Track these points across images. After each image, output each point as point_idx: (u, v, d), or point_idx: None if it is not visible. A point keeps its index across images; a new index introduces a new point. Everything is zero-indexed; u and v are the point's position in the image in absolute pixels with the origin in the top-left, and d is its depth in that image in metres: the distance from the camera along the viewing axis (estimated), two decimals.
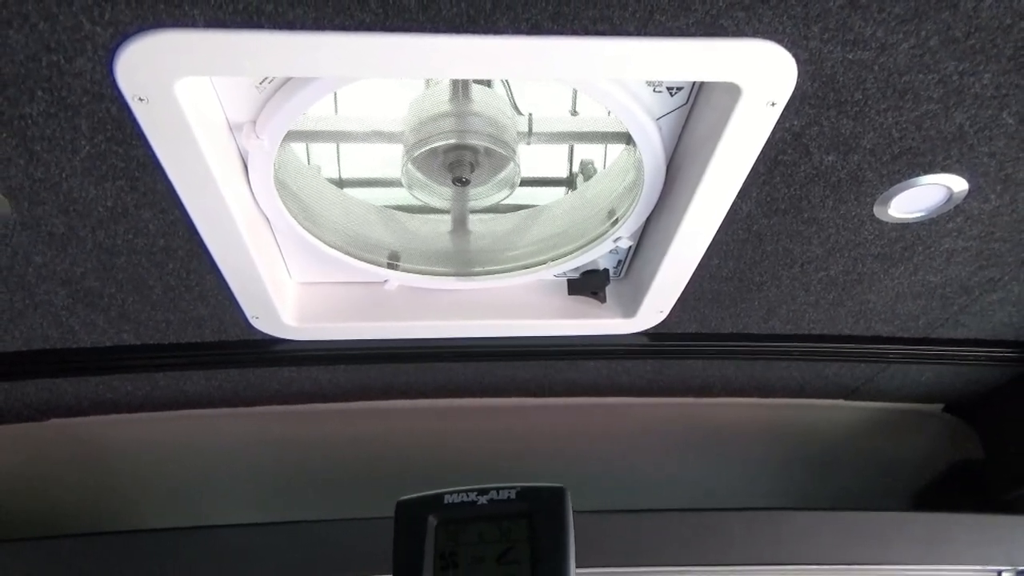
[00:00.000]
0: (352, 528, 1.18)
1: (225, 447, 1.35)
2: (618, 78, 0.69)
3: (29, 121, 0.65)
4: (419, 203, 0.99)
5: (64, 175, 0.71)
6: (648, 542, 1.15)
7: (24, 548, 1.13)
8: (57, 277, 0.87)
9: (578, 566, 1.12)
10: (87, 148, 0.68)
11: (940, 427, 1.46)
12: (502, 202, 1.00)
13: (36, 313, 0.94)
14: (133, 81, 0.61)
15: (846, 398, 1.38)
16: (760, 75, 0.64)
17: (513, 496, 0.45)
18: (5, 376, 1.06)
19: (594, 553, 1.14)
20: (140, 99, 0.62)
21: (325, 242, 0.94)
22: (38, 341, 1.00)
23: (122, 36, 0.57)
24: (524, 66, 0.62)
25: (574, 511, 1.16)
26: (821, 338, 1.13)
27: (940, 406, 1.43)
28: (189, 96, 0.65)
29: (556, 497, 0.47)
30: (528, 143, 0.91)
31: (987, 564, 1.23)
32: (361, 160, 1.06)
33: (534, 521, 0.45)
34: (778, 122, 0.70)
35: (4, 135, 0.66)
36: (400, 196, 1.06)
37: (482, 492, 0.46)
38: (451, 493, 0.47)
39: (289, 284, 1.02)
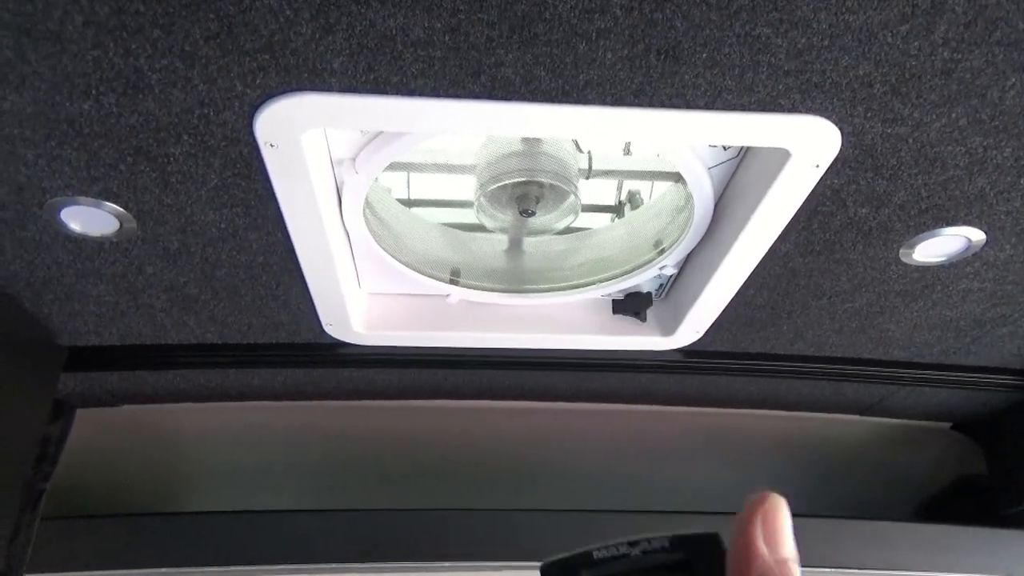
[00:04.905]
0: (397, 518, 1.28)
1: (281, 436, 1.46)
2: (685, 143, 0.78)
3: (171, 159, 0.75)
4: (479, 223, 1.09)
5: (190, 202, 0.82)
6: None
7: (89, 526, 1.24)
8: (162, 284, 0.97)
9: None
10: (215, 181, 0.78)
11: (948, 443, 1.55)
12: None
13: (136, 314, 1.04)
14: (268, 131, 0.71)
15: (861, 414, 1.47)
16: (809, 143, 0.73)
17: (667, 545, 0.41)
18: (96, 367, 1.16)
19: None
20: (271, 145, 0.72)
21: (397, 259, 1.04)
22: (132, 337, 1.11)
23: (266, 96, 0.67)
24: (606, 131, 0.71)
25: (604, 510, 1.25)
26: (842, 360, 1.22)
27: (948, 424, 1.52)
28: (310, 142, 0.75)
29: (713, 544, 0.41)
30: (587, 178, 1.01)
31: (986, 574, 1.33)
32: (425, 181, 1.15)
33: (694, 572, 0.41)
34: (820, 180, 0.79)
35: (148, 168, 0.76)
36: (460, 214, 1.16)
37: (632, 544, 0.42)
38: (599, 548, 0.42)
39: (359, 295, 1.12)
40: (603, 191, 1.19)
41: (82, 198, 0.80)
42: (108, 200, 0.80)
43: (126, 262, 0.92)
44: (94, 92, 0.66)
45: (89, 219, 0.83)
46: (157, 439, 1.44)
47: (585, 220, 1.20)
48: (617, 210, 1.17)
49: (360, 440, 1.47)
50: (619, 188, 1.16)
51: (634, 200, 1.14)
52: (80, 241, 0.87)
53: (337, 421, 1.43)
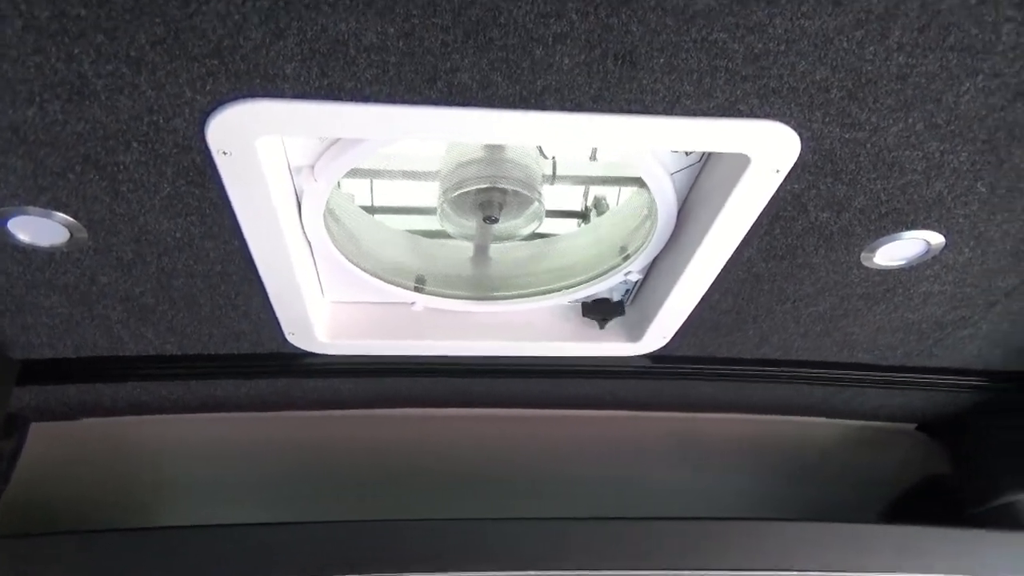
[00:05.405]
0: (365, 529, 1.26)
1: (245, 448, 1.43)
2: (646, 148, 0.78)
3: (120, 167, 0.73)
4: (444, 230, 1.07)
5: (143, 211, 0.79)
6: (641, 548, 1.24)
7: (47, 543, 1.20)
8: (118, 295, 0.95)
9: (576, 568, 1.21)
10: (168, 190, 0.77)
11: (913, 444, 1.57)
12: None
13: (91, 325, 1.01)
14: (221, 138, 0.69)
15: (828, 416, 1.48)
16: (768, 148, 0.73)
17: None
18: (52, 380, 1.13)
19: (591, 557, 1.23)
20: (224, 152, 0.71)
21: (360, 267, 1.03)
22: (87, 349, 1.08)
23: (217, 102, 0.66)
24: (566, 136, 0.70)
25: (576, 518, 1.25)
26: (808, 364, 1.23)
27: (913, 425, 1.53)
28: (266, 149, 0.73)
29: None
30: (552, 184, 1.00)
31: (953, 574, 1.34)
32: (389, 188, 1.14)
33: None
34: (781, 185, 0.79)
35: (97, 177, 0.74)
36: (424, 222, 1.15)
37: None
38: None
39: (323, 303, 1.10)
40: (570, 196, 1.18)
41: (30, 208, 0.77)
42: (57, 210, 0.78)
43: (78, 272, 0.90)
44: (37, 99, 0.64)
45: (38, 229, 0.81)
46: (118, 453, 1.41)
47: (552, 226, 1.20)
48: (583, 216, 1.17)
49: (327, 450, 1.45)
50: (585, 193, 1.15)
51: (600, 206, 1.14)
52: (29, 252, 0.85)
53: (303, 431, 1.41)
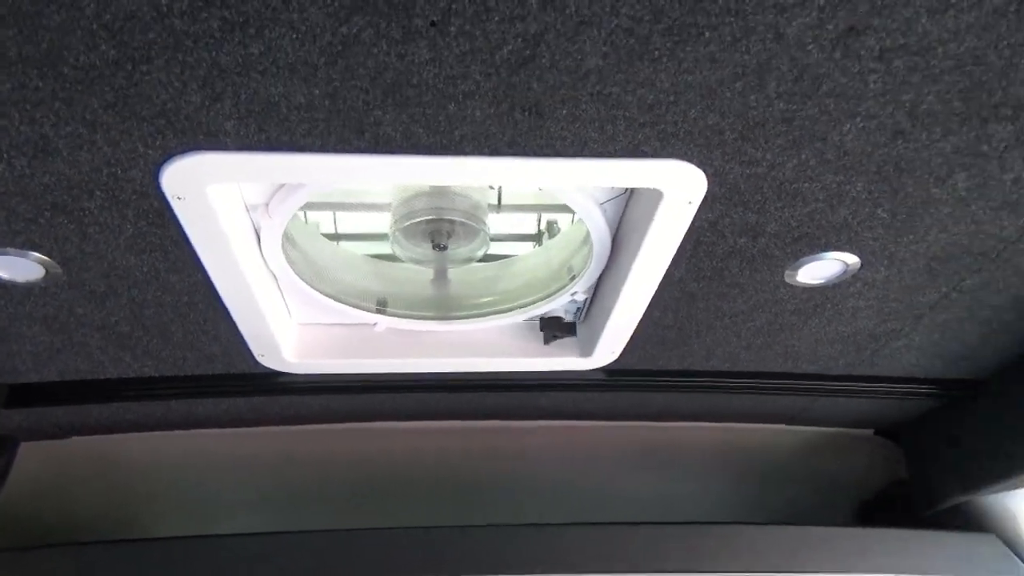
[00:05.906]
0: (348, 538, 1.32)
1: (228, 462, 1.50)
2: (563, 186, 0.85)
3: (86, 212, 0.80)
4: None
5: (109, 249, 0.87)
6: (608, 552, 1.30)
7: (45, 555, 1.27)
8: (94, 324, 1.02)
9: (544, 572, 1.27)
10: (131, 230, 0.84)
11: (873, 449, 1.62)
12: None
13: (72, 351, 1.09)
14: (174, 186, 0.76)
15: (787, 423, 1.54)
16: (677, 183, 0.80)
17: None
18: (39, 402, 1.20)
19: (568, 561, 1.28)
20: (179, 198, 0.78)
21: (323, 292, 1.09)
22: (70, 373, 1.15)
23: (168, 155, 0.73)
24: (487, 177, 0.77)
25: (538, 524, 1.31)
26: (757, 375, 1.29)
27: (871, 431, 1.59)
28: (217, 193, 0.80)
29: None
30: (498, 212, 1.07)
31: (905, 573, 1.39)
32: (352, 215, 1.21)
33: None
34: (696, 214, 0.86)
35: (65, 221, 0.81)
36: (387, 247, 1.22)
37: None
38: None
39: (290, 325, 1.17)
40: (525, 220, 1.25)
41: (7, 248, 0.85)
42: (32, 250, 0.85)
43: (56, 305, 0.97)
44: (5, 156, 0.71)
45: (15, 267, 0.88)
46: (106, 469, 1.48)
47: (510, 248, 1.26)
48: (537, 238, 1.24)
49: (306, 462, 1.52)
50: (538, 219, 1.22)
51: (552, 229, 1.21)
52: (9, 287, 0.92)
53: (281, 445, 1.47)
